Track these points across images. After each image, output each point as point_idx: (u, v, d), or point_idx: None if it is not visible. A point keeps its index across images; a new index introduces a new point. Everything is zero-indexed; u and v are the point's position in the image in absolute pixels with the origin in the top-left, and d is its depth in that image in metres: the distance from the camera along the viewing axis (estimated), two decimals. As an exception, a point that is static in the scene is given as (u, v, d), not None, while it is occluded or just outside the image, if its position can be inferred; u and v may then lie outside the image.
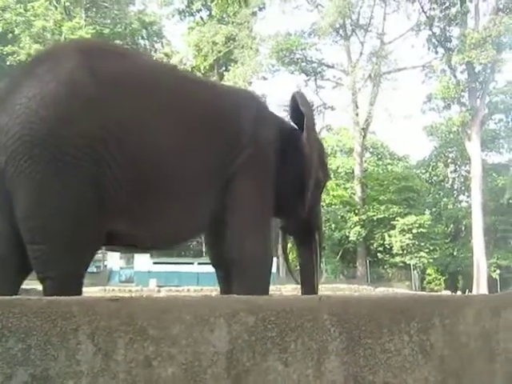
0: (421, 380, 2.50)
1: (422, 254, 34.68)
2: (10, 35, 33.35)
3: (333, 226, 38.53)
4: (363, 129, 35.78)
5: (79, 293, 3.32)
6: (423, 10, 31.80)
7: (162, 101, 3.68)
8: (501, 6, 29.62)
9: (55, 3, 34.33)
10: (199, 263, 28.63)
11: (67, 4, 34.52)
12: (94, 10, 36.32)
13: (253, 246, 3.87)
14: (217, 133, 3.92)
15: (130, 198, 3.46)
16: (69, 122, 3.26)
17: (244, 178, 3.94)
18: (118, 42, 35.24)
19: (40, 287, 3.49)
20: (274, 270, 33.83)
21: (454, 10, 30.31)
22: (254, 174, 4.00)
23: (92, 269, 42.84)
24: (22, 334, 1.88)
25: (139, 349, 2.00)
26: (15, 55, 31.80)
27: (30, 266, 3.45)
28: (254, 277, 3.88)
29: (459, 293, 27.17)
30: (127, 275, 33.26)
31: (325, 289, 28.80)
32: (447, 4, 30.57)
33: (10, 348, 1.86)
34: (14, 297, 2.03)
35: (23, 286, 3.75)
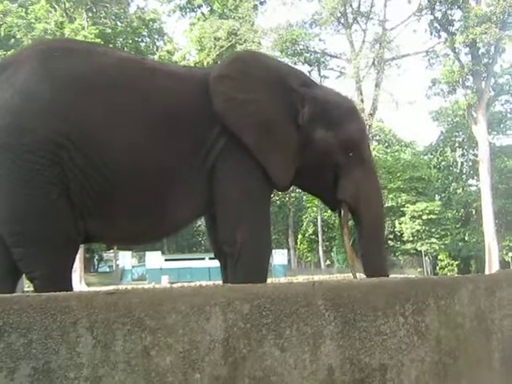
0: (417, 361, 2.55)
1: (433, 240, 34.50)
2: (13, 40, 33.47)
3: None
4: (370, 114, 35.51)
5: (68, 289, 3.39)
6: (424, -6, 31.54)
7: (124, 98, 3.65)
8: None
9: (55, 5, 34.37)
10: (210, 258, 28.75)
11: (68, 6, 34.54)
12: (95, 10, 36.29)
13: (242, 236, 3.78)
14: (186, 123, 3.79)
15: (97, 200, 3.52)
16: (26, 129, 3.36)
17: (226, 165, 3.83)
18: (120, 40, 35.33)
19: None
20: (285, 262, 33.93)
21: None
22: (237, 160, 3.86)
23: (105, 268, 43.25)
24: (23, 330, 1.95)
25: (137, 339, 2.06)
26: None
27: None
28: (245, 268, 3.81)
29: (471, 277, 27.06)
30: (139, 273, 33.54)
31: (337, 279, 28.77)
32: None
33: (11, 343, 1.93)
34: (14, 294, 2.10)
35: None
